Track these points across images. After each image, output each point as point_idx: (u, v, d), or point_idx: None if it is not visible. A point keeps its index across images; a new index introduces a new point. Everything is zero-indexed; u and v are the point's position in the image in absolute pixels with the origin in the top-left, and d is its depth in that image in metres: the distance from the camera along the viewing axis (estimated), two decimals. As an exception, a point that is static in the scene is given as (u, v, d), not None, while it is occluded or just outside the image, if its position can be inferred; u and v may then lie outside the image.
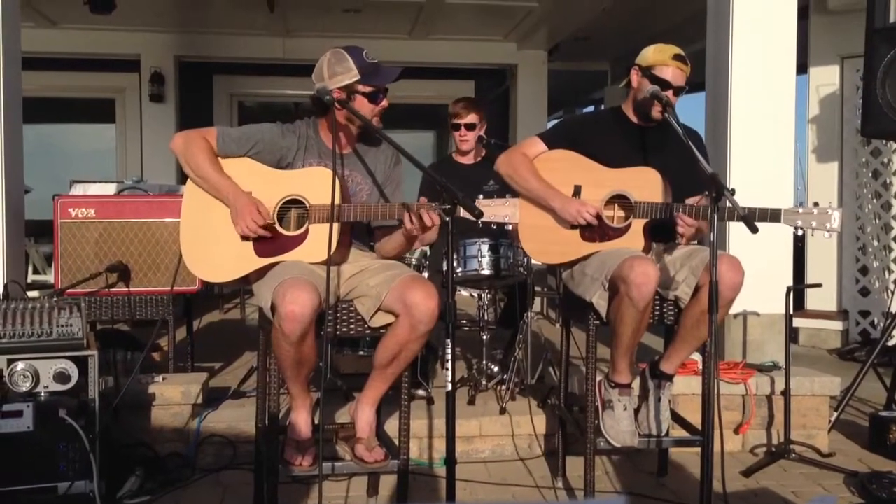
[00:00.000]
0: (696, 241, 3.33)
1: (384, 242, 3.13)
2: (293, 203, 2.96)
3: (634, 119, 3.38)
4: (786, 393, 3.87)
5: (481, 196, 2.81)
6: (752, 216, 2.88)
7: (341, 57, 3.00)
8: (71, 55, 9.43)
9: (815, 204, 3.01)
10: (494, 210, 2.73)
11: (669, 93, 3.21)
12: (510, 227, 3.17)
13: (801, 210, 3.00)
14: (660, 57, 3.26)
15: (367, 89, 3.00)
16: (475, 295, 4.54)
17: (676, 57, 3.24)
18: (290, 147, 3.06)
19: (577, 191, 3.25)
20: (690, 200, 3.33)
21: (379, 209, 2.93)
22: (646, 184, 3.20)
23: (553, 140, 3.39)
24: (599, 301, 3.10)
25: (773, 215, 2.99)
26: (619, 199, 3.22)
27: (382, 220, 3.01)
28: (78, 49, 9.34)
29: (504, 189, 3.50)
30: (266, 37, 9.49)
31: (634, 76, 3.33)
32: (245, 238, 2.94)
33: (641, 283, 2.91)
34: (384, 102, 3.05)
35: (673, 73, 3.23)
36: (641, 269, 2.92)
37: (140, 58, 9.55)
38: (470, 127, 4.61)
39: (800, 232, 3.05)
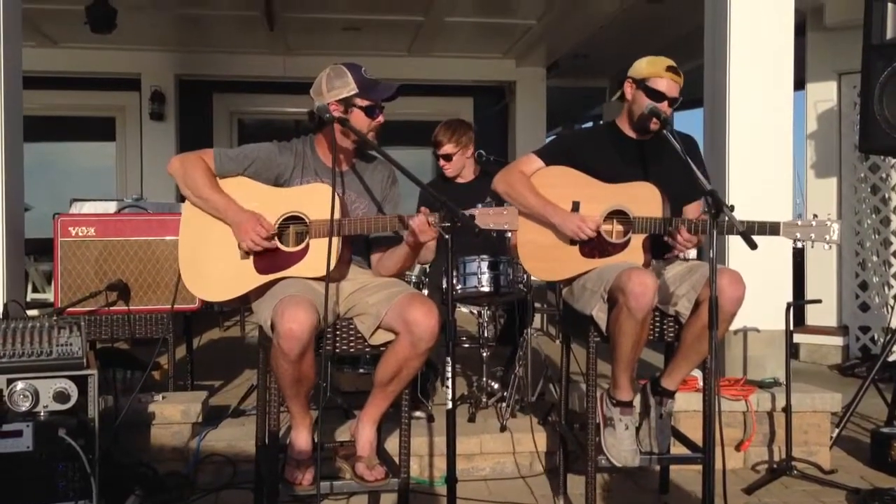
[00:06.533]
0: (694, 253, 3.33)
1: (385, 259, 3.13)
2: (292, 220, 2.97)
3: (629, 132, 3.40)
4: (787, 409, 3.86)
5: (479, 205, 2.82)
6: (750, 230, 2.89)
7: (340, 72, 3.03)
8: (72, 74, 9.48)
9: (814, 216, 3.01)
10: (493, 218, 2.73)
11: (664, 104, 3.23)
12: (509, 235, 3.17)
13: (799, 223, 3.00)
14: (653, 69, 3.27)
15: (365, 103, 3.03)
16: (475, 312, 4.53)
17: (670, 69, 3.26)
18: (286, 164, 3.08)
19: (576, 207, 3.25)
20: (690, 207, 3.34)
21: (378, 221, 2.95)
22: (644, 199, 3.20)
23: (549, 156, 3.40)
24: (599, 314, 3.10)
25: (772, 228, 3.00)
26: (618, 215, 3.23)
27: (382, 232, 3.02)
28: (79, 68, 9.39)
29: (502, 204, 3.50)
30: (266, 55, 9.55)
31: (628, 89, 3.34)
32: (250, 253, 2.95)
33: (640, 293, 2.90)
34: (380, 118, 3.08)
35: (667, 84, 3.25)
36: (639, 280, 2.92)
37: (140, 76, 9.61)
38: (447, 157, 4.60)
39: (799, 244, 3.05)
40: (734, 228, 2.79)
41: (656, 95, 3.23)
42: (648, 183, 3.23)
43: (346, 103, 3.02)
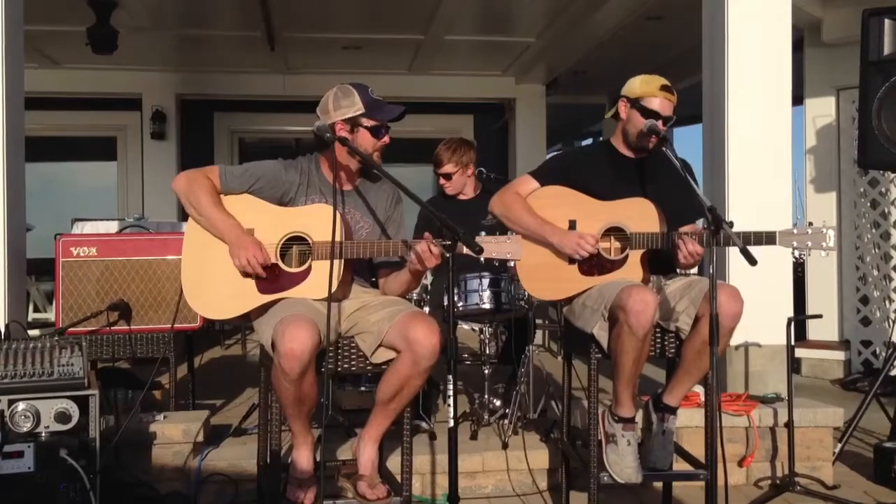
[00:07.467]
0: (694, 269, 3.33)
1: (390, 281, 3.15)
2: (296, 240, 2.98)
3: (625, 151, 3.41)
4: (789, 424, 3.85)
5: (483, 233, 2.82)
6: (747, 240, 2.90)
7: (347, 91, 3.05)
8: (73, 94, 9.53)
9: (810, 224, 3.02)
10: (497, 247, 2.73)
11: (659, 123, 3.24)
12: (512, 264, 3.18)
13: (795, 231, 3.01)
14: (647, 88, 3.29)
15: (371, 123, 3.05)
16: (476, 329, 4.53)
17: (664, 88, 3.28)
18: (291, 183, 3.09)
19: (572, 226, 3.26)
20: (684, 229, 3.34)
21: (381, 246, 2.96)
22: (641, 214, 3.21)
23: (545, 177, 3.41)
24: (600, 332, 3.11)
25: (769, 238, 3.01)
26: (615, 232, 3.23)
27: (385, 257, 3.03)
28: (80, 88, 9.44)
29: (502, 223, 3.51)
30: (267, 74, 9.59)
31: (622, 107, 3.36)
32: (246, 275, 2.95)
33: (640, 310, 2.91)
34: (386, 139, 3.09)
35: (661, 103, 3.26)
36: (639, 297, 2.92)
37: (141, 96, 9.65)
38: (447, 176, 4.62)
39: (797, 253, 3.06)
40: (732, 242, 2.80)
41: (650, 114, 3.24)
42: (644, 199, 3.24)
43: (353, 123, 3.04)
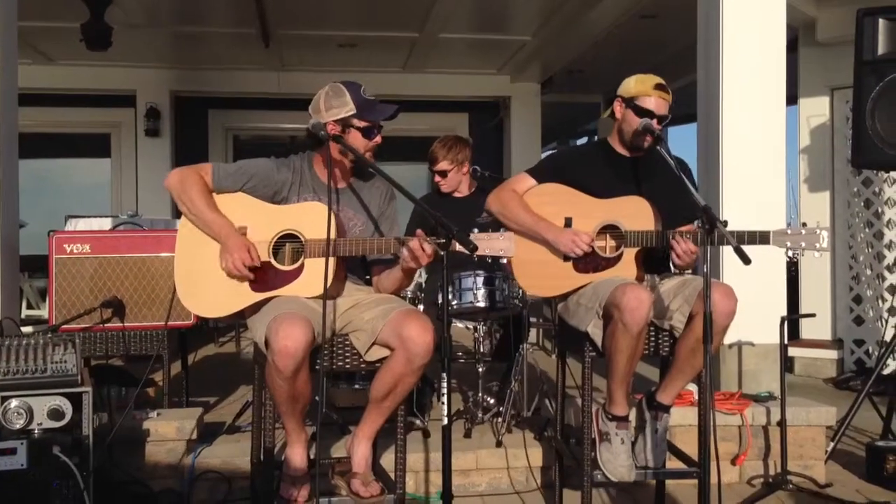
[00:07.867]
0: (689, 270, 3.34)
1: (383, 278, 3.14)
2: (288, 238, 2.98)
3: (621, 150, 3.41)
4: (782, 423, 3.86)
5: (476, 230, 2.82)
6: (740, 240, 2.90)
7: (339, 91, 3.03)
8: (67, 91, 9.51)
9: (803, 224, 3.03)
10: (490, 244, 2.73)
11: (653, 122, 3.24)
12: (505, 261, 3.18)
13: (789, 231, 3.02)
14: (642, 87, 3.28)
15: (362, 124, 3.03)
16: (471, 327, 4.53)
17: (658, 87, 3.27)
18: (284, 181, 3.08)
19: (568, 223, 3.27)
20: (683, 229, 3.35)
21: (374, 243, 2.95)
22: (636, 213, 3.21)
23: (541, 174, 3.42)
24: (594, 330, 3.11)
25: (762, 237, 3.02)
26: (611, 230, 3.24)
27: (378, 254, 3.02)
28: (74, 85, 9.43)
29: (498, 221, 3.52)
30: (261, 71, 9.59)
31: (618, 107, 3.36)
32: (232, 275, 2.94)
33: (634, 307, 2.91)
34: (378, 139, 3.08)
35: (656, 102, 3.26)
36: (634, 294, 2.93)
37: (136, 93, 9.63)
38: (442, 174, 4.61)
39: (790, 253, 3.07)
40: (726, 241, 2.80)
41: (645, 114, 3.24)
42: (640, 197, 3.24)
43: (344, 123, 3.02)
